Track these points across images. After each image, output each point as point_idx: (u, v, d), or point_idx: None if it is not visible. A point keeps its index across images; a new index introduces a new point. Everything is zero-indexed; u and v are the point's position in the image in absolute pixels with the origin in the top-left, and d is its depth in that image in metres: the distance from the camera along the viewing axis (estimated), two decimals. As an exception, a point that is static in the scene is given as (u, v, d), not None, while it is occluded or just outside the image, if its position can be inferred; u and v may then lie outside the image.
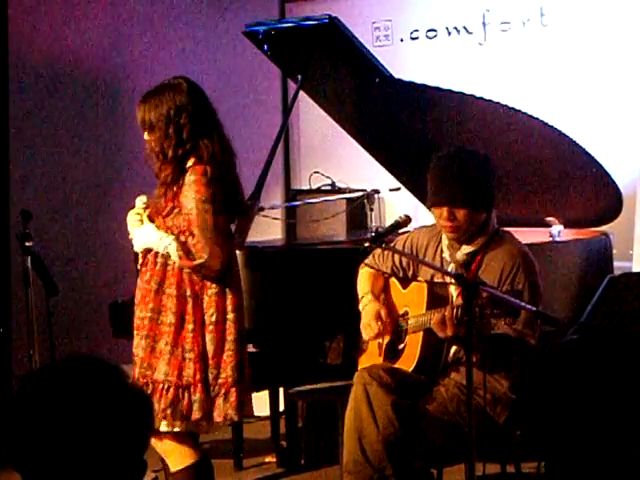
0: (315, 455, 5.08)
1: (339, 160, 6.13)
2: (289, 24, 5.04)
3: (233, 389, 3.63)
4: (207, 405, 3.62)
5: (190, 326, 3.62)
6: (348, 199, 5.56)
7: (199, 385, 3.60)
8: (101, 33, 6.19)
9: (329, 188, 5.93)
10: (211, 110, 3.75)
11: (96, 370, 1.73)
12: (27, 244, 4.78)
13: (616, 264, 4.91)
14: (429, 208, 3.79)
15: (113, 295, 5.03)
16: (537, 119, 4.63)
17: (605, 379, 3.66)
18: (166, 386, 3.59)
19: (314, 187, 6.01)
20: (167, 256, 3.66)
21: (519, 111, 4.65)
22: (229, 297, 3.68)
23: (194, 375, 3.60)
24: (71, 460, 1.67)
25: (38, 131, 6.03)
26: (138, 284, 3.77)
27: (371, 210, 5.46)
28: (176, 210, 3.68)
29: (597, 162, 4.67)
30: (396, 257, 3.88)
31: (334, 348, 4.51)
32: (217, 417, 3.64)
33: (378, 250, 3.86)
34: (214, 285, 3.66)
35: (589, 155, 4.65)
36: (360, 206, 5.52)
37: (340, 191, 5.76)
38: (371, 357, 3.90)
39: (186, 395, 3.60)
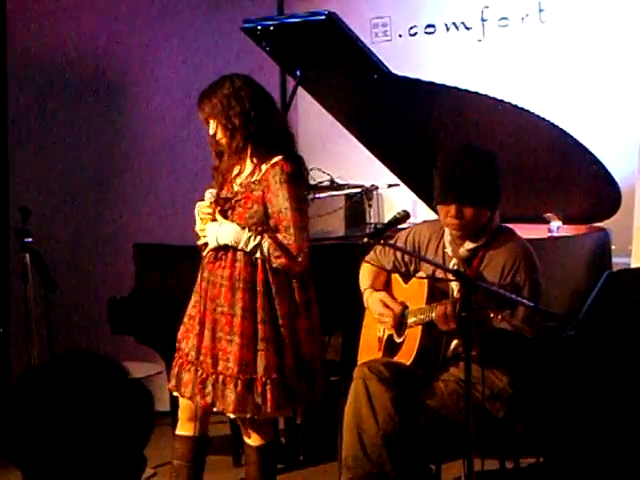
0: (314, 451, 5.09)
1: (338, 156, 6.12)
2: (287, 20, 5.04)
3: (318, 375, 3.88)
4: (297, 392, 3.83)
5: (281, 321, 3.77)
6: (347, 195, 5.56)
7: (294, 377, 3.80)
8: (100, 29, 6.18)
9: (328, 184, 5.92)
10: (270, 97, 3.88)
11: (96, 365, 1.73)
12: (26, 240, 4.77)
13: (615, 260, 4.91)
14: (436, 205, 3.78)
15: (112, 291, 5.03)
16: (536, 115, 4.63)
17: (603, 374, 3.67)
18: (268, 380, 3.75)
19: (313, 183, 6.00)
20: (251, 254, 3.75)
21: (518, 107, 4.65)
22: (310, 289, 3.87)
23: (289, 366, 3.79)
24: (71, 455, 1.68)
25: (37, 127, 6.02)
26: (207, 280, 3.83)
27: (370, 206, 5.46)
28: (254, 207, 3.77)
29: (596, 158, 4.67)
30: (398, 252, 3.88)
31: (333, 344, 4.51)
32: (299, 404, 3.92)
33: (379, 246, 3.87)
34: (295, 279, 3.81)
35: (588, 151, 4.65)
36: (359, 202, 5.53)
37: (339, 187, 5.76)
38: (371, 351, 3.90)
39: (283, 385, 3.79)
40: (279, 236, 3.75)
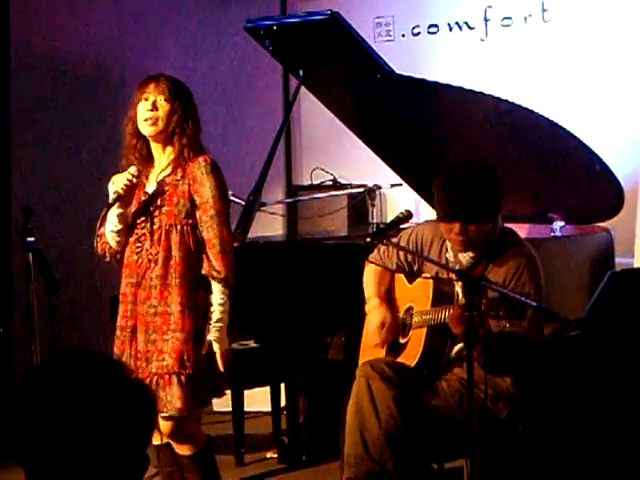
0: (316, 451, 5.09)
1: (340, 156, 6.12)
2: (291, 20, 5.04)
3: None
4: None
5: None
6: (349, 195, 5.57)
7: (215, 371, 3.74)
8: (103, 30, 6.18)
9: (330, 184, 5.93)
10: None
11: (98, 365, 1.73)
12: (28, 240, 4.77)
13: (617, 260, 4.90)
14: (439, 222, 3.77)
15: (115, 291, 5.02)
16: (538, 115, 4.63)
17: (606, 375, 3.66)
18: (188, 373, 3.69)
19: (316, 183, 6.01)
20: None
21: (521, 107, 4.65)
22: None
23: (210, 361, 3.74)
24: (74, 455, 1.68)
25: (40, 126, 6.03)
26: (135, 284, 3.78)
27: (372, 206, 5.46)
28: (181, 202, 3.73)
29: (599, 158, 4.66)
30: (401, 252, 3.88)
31: (335, 343, 4.51)
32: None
33: (383, 246, 3.86)
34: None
35: (590, 151, 4.65)
36: (361, 202, 5.53)
37: (341, 187, 5.77)
38: (373, 352, 3.90)
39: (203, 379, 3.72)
40: (204, 234, 3.71)
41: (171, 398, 3.65)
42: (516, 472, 3.90)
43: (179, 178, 3.75)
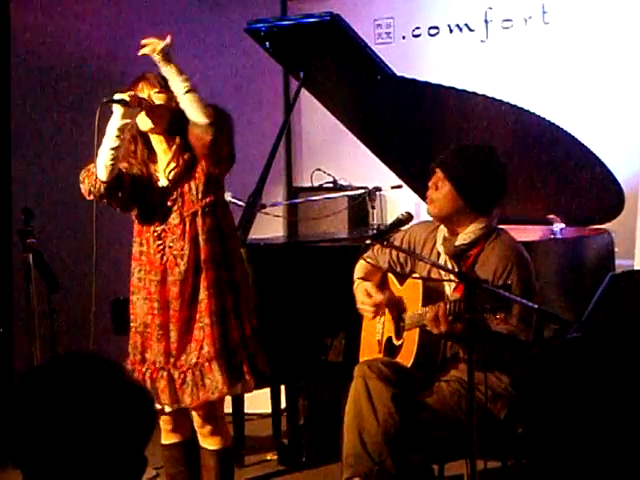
0: (316, 453, 5.08)
1: (341, 157, 6.12)
2: (291, 21, 5.05)
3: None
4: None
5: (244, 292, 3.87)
6: (350, 196, 5.57)
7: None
8: (103, 31, 6.18)
9: (331, 185, 5.93)
10: None
11: (96, 366, 1.73)
12: (29, 241, 4.78)
13: (618, 262, 4.90)
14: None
15: (115, 292, 5.02)
16: (539, 117, 4.63)
17: (606, 377, 3.66)
18: (223, 354, 3.72)
19: (316, 184, 6.00)
20: None
21: (521, 109, 4.65)
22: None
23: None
24: (72, 456, 1.68)
25: (40, 128, 6.03)
26: (161, 281, 3.76)
27: (373, 208, 5.46)
28: (194, 186, 3.76)
29: (599, 160, 4.66)
30: (394, 251, 3.89)
31: (335, 346, 4.52)
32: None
33: (377, 244, 3.88)
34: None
35: (591, 153, 4.65)
36: (362, 204, 5.53)
37: (342, 189, 5.76)
38: (371, 354, 3.90)
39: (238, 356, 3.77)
40: None
41: (217, 384, 3.69)
42: (516, 473, 3.91)
43: (188, 164, 3.73)
